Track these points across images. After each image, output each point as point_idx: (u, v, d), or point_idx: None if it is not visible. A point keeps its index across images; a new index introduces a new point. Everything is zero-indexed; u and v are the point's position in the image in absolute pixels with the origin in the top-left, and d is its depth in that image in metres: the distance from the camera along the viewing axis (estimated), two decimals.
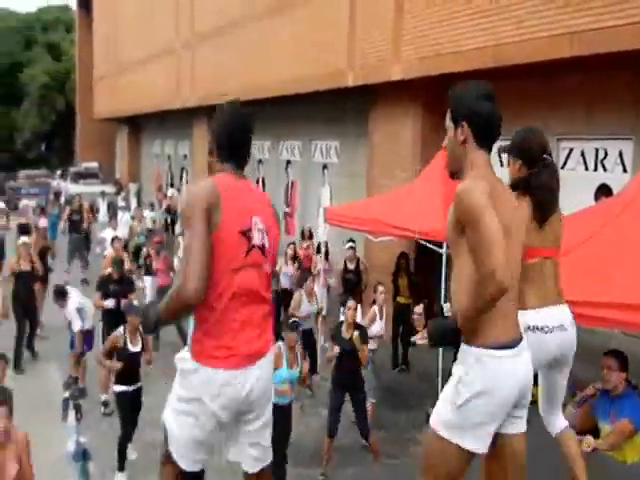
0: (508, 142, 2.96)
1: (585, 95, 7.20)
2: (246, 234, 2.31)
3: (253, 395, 2.34)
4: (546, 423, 3.05)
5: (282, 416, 4.77)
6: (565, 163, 7.76)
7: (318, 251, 9.76)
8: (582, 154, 7.56)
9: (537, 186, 2.79)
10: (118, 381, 5.96)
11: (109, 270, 8.10)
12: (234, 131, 2.41)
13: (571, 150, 7.70)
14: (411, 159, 9.45)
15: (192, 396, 2.32)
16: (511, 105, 8.15)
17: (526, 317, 2.61)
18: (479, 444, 2.19)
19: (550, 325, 2.73)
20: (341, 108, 11.92)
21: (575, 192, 7.16)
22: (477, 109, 2.23)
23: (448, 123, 2.34)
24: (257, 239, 2.34)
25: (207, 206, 2.23)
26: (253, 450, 2.46)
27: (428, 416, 2.59)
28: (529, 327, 2.65)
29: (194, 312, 2.33)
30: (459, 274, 2.18)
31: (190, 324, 2.48)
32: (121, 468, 5.80)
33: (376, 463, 5.62)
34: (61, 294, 7.53)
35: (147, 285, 9.81)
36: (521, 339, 2.22)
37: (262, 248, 2.36)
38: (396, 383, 7.45)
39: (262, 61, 13.09)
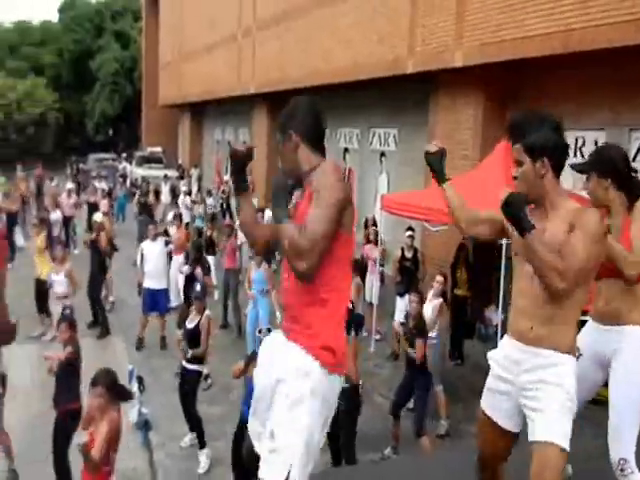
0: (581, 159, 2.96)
1: None
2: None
3: None
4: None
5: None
6: (637, 154, 7.46)
7: (368, 240, 9.78)
8: None
9: None
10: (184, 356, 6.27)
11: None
12: (320, 123, 2.31)
13: None
14: (471, 147, 9.31)
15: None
16: (580, 93, 7.91)
17: None
18: None
19: None
20: (401, 95, 11.83)
21: None
22: (558, 144, 2.33)
23: (519, 156, 2.36)
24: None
25: (348, 201, 2.16)
26: None
27: None
28: None
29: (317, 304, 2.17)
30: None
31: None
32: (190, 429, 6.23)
33: (430, 453, 5.67)
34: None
35: (211, 264, 10.27)
36: None
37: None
38: (451, 375, 7.45)
39: (322, 48, 13.13)
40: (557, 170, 2.36)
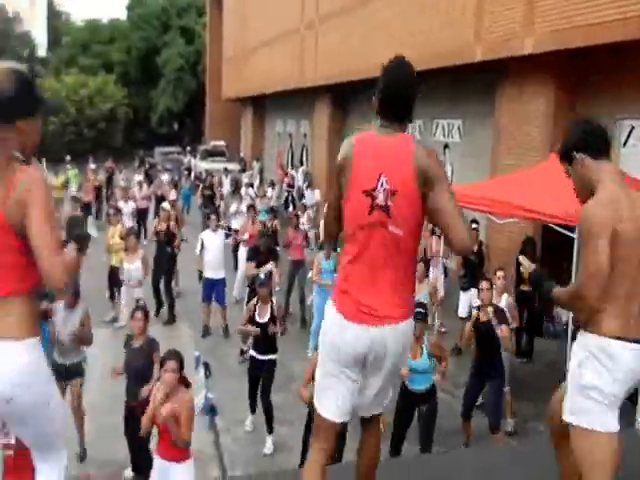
0: None
1: None
2: (370, 194, 2.29)
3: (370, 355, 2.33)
4: None
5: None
6: None
7: (433, 232, 9.63)
8: None
9: None
10: (253, 346, 6.44)
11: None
12: (388, 85, 2.37)
13: None
14: (541, 139, 9.01)
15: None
16: None
17: None
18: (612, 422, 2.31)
19: None
20: (464, 85, 11.58)
21: None
22: (577, 135, 2.49)
23: (565, 168, 2.57)
24: (381, 199, 2.28)
25: (340, 164, 2.36)
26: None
27: None
28: None
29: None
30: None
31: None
32: (251, 411, 6.49)
33: (498, 447, 5.57)
34: None
35: None
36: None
37: (386, 209, 2.28)
38: (519, 372, 7.26)
39: (386, 38, 13.00)
40: (594, 153, 2.43)
